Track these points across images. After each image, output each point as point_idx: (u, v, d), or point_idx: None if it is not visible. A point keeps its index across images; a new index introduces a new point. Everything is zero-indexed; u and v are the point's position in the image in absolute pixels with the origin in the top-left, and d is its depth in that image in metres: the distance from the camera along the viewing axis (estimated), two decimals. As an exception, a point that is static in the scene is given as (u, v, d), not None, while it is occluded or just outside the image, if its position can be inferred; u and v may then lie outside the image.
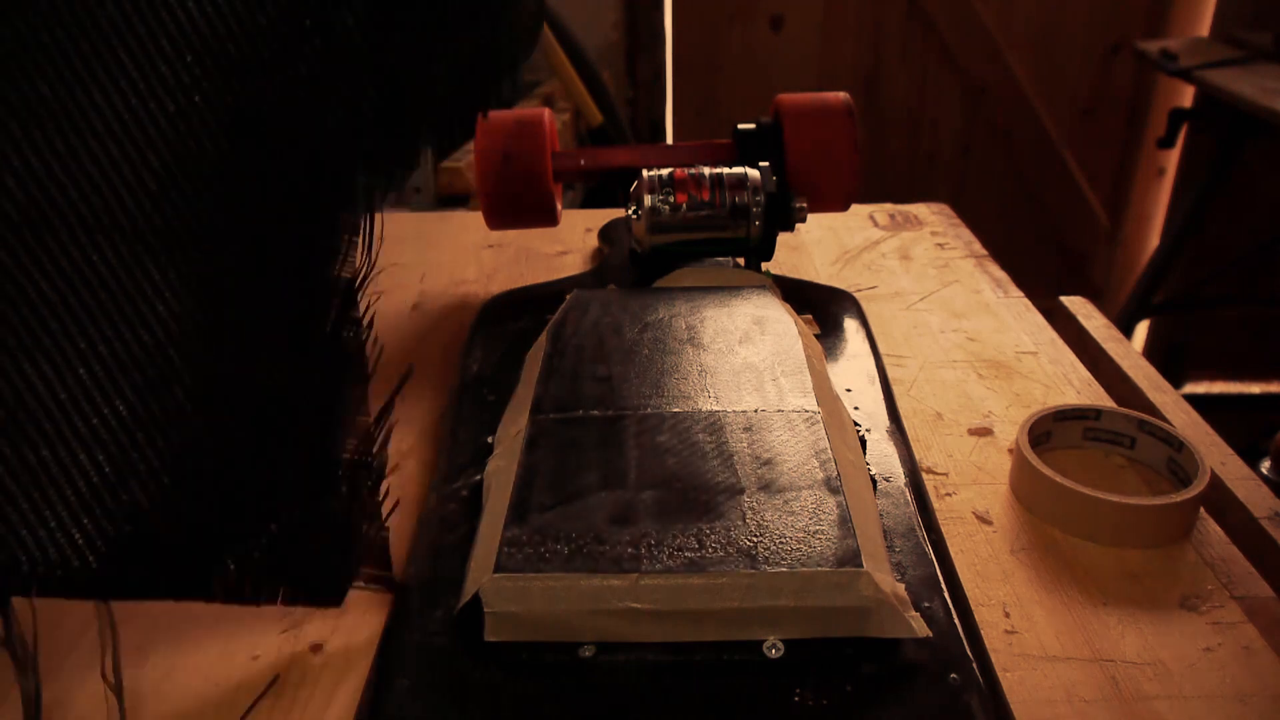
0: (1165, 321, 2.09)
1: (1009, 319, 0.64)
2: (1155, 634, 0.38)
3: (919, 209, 0.83)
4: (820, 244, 0.76)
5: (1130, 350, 0.60)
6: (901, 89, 2.06)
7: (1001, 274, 0.71)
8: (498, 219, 0.64)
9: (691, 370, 0.47)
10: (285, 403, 0.33)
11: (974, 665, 0.35)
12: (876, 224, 0.80)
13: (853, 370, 0.55)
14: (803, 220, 0.60)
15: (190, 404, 0.31)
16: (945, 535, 0.43)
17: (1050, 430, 0.49)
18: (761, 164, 0.60)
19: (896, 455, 0.47)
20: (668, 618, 0.35)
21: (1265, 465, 1.22)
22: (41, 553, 0.30)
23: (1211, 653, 0.37)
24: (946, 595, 0.37)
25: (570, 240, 0.78)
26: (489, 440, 0.47)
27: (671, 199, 0.59)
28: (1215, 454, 0.48)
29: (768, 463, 0.40)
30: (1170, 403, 0.53)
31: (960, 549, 0.43)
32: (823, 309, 0.62)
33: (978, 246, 0.76)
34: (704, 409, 0.44)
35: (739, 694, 0.33)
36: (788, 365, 0.47)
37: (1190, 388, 2.08)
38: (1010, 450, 0.49)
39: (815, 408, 0.43)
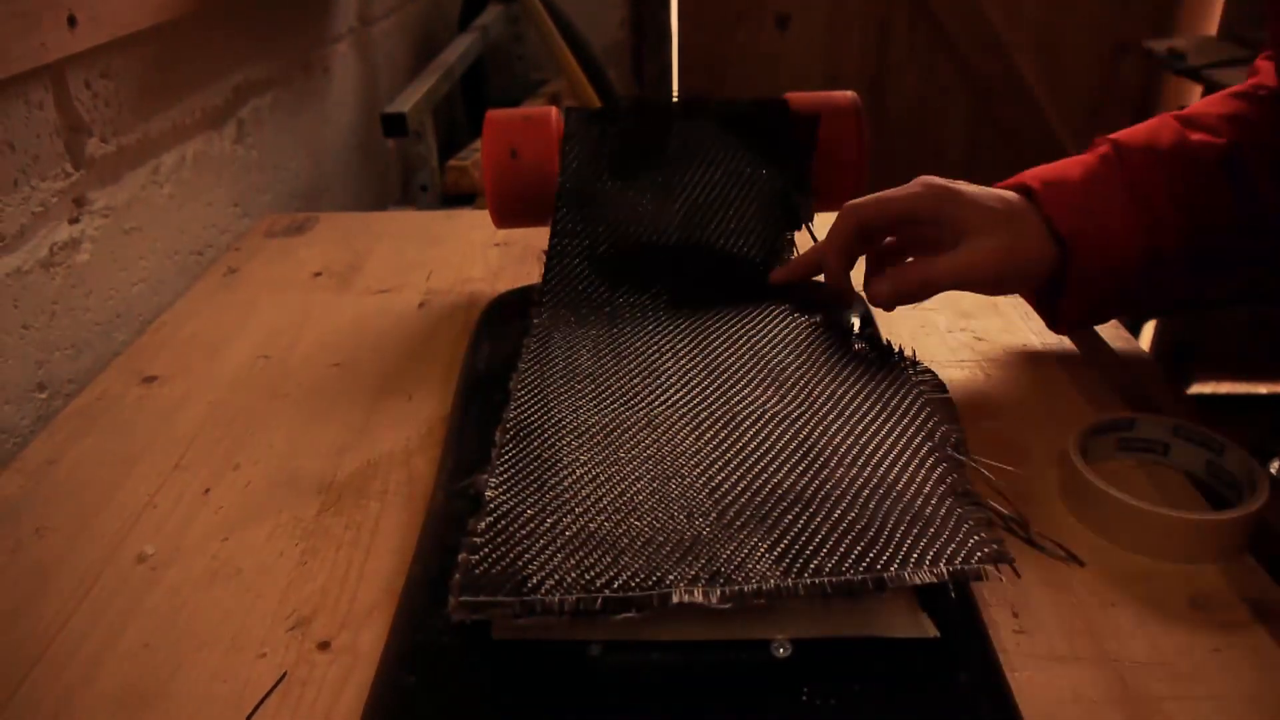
0: (1173, 321, 2.08)
1: (1016, 319, 0.64)
2: (1164, 635, 0.38)
3: (926, 208, 0.82)
4: (827, 243, 0.76)
5: (1138, 350, 0.60)
6: (908, 88, 2.05)
7: (1009, 273, 0.70)
8: (504, 217, 0.64)
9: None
10: None
11: (982, 665, 0.35)
12: (883, 223, 0.79)
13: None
14: (810, 219, 0.60)
15: None
16: (953, 535, 0.42)
17: (1086, 444, 0.46)
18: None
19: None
20: (675, 617, 0.34)
21: (1275, 465, 1.21)
22: None
23: (1220, 654, 0.37)
24: (955, 595, 0.37)
25: (577, 239, 0.78)
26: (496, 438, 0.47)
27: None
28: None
29: None
30: (1171, 404, 0.53)
31: (968, 549, 0.43)
32: (830, 309, 0.61)
33: (985, 246, 0.75)
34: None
35: (746, 693, 0.33)
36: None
37: (1198, 388, 2.07)
38: (1011, 451, 0.49)
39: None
